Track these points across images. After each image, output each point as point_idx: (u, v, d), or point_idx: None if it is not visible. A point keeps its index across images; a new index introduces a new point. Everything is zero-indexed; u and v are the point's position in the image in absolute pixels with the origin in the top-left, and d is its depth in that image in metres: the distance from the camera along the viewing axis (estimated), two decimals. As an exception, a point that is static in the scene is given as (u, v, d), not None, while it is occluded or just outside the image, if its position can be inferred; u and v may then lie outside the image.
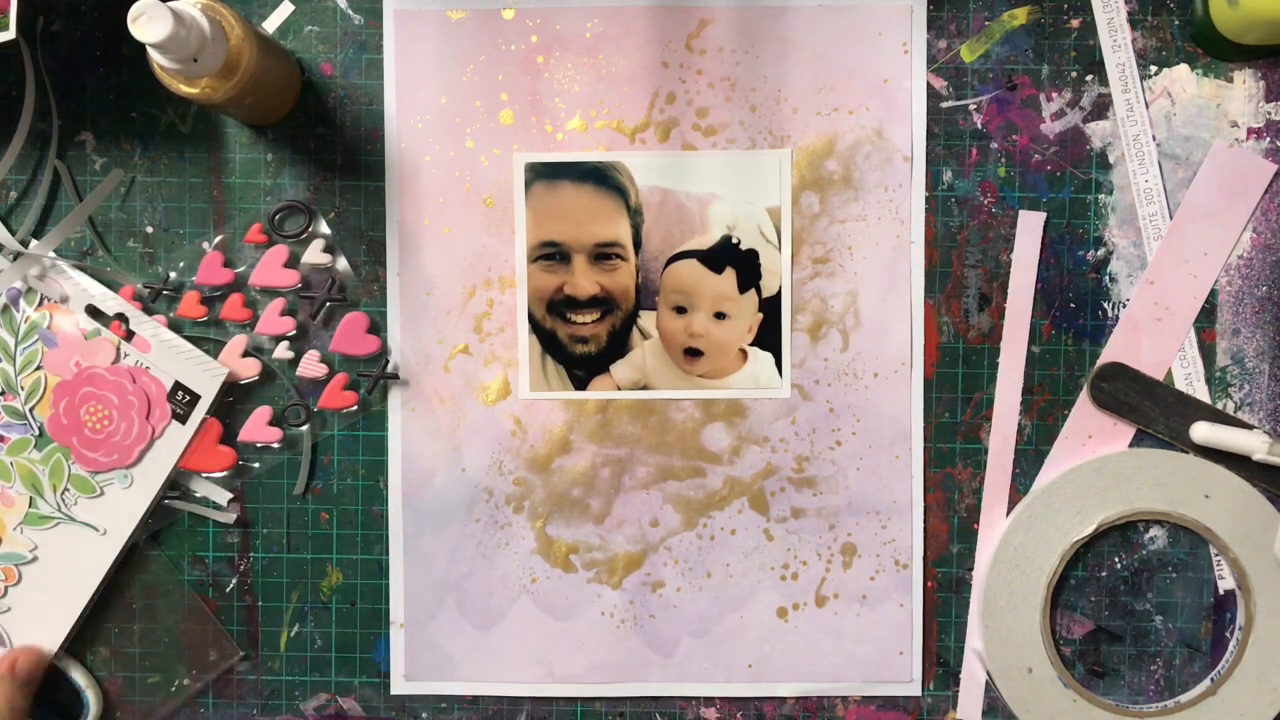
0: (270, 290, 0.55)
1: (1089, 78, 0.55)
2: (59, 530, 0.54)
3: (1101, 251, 0.55)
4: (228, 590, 0.56)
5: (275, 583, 0.56)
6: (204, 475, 0.55)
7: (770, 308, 0.55)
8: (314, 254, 0.54)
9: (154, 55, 0.45)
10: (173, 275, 0.55)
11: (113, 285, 0.55)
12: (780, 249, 0.55)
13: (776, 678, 0.56)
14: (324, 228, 0.55)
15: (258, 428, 0.55)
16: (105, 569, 0.54)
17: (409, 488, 0.55)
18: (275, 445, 0.55)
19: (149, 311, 0.54)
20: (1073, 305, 0.55)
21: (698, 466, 0.55)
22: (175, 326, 0.54)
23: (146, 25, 0.43)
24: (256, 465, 0.55)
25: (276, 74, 0.51)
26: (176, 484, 0.55)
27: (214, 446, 0.54)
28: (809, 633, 0.56)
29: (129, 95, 0.55)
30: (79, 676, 0.55)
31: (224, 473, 0.55)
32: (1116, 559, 0.56)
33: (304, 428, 0.55)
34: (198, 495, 0.55)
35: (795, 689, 0.56)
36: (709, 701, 0.56)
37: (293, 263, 0.55)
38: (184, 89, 0.47)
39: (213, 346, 0.55)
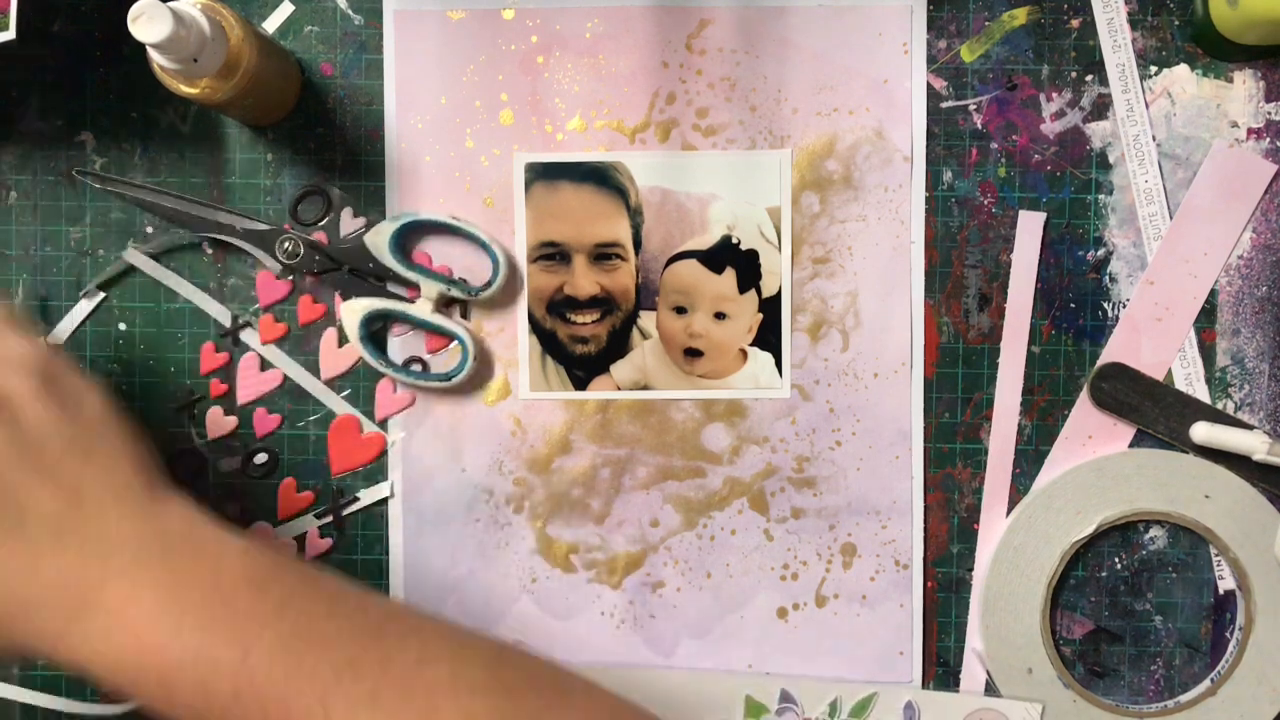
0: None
1: (1089, 78, 0.55)
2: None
3: (1101, 251, 0.55)
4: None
5: (275, 583, 0.56)
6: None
7: (770, 308, 0.55)
8: (349, 223, 0.54)
9: (154, 55, 0.45)
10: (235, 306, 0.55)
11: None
12: (780, 249, 0.55)
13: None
14: (337, 197, 0.55)
15: None
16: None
17: (409, 488, 0.55)
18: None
19: (239, 347, 0.54)
20: (1073, 305, 0.55)
21: (698, 467, 0.55)
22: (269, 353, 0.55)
23: (146, 25, 0.43)
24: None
25: (276, 74, 0.51)
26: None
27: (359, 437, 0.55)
28: (809, 633, 0.56)
29: (129, 95, 0.55)
30: None
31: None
32: (1116, 559, 0.56)
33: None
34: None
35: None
36: (709, 701, 0.56)
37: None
38: (184, 89, 0.47)
39: (307, 358, 0.55)
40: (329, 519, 0.55)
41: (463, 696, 0.37)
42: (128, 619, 0.37)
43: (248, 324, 0.55)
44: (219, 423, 0.55)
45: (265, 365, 0.55)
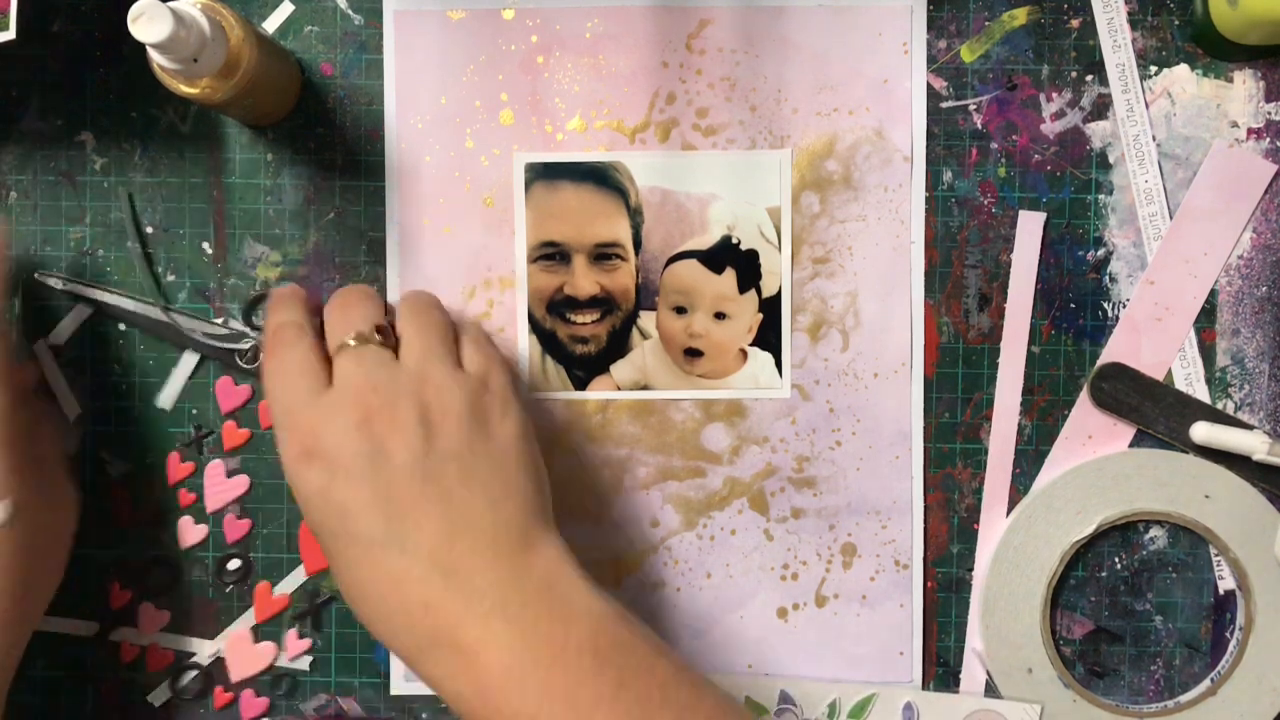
0: None
1: (1089, 78, 0.55)
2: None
3: (1101, 251, 0.55)
4: (228, 590, 0.56)
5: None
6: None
7: (770, 308, 0.55)
8: None
9: (154, 55, 0.45)
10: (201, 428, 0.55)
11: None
12: (780, 249, 0.55)
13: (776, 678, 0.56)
14: None
15: None
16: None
17: (409, 488, 0.55)
18: None
19: (204, 456, 0.54)
20: (1073, 305, 0.55)
21: (698, 467, 0.55)
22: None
23: (146, 25, 0.43)
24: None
25: (276, 74, 0.51)
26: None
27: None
28: (809, 633, 0.56)
29: (129, 95, 0.55)
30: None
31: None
32: (1116, 559, 0.56)
33: None
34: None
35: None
36: (709, 701, 0.56)
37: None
38: (184, 89, 0.47)
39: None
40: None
41: None
42: (477, 667, 0.39)
43: (210, 432, 0.54)
44: (190, 530, 0.55)
45: (232, 472, 0.55)
